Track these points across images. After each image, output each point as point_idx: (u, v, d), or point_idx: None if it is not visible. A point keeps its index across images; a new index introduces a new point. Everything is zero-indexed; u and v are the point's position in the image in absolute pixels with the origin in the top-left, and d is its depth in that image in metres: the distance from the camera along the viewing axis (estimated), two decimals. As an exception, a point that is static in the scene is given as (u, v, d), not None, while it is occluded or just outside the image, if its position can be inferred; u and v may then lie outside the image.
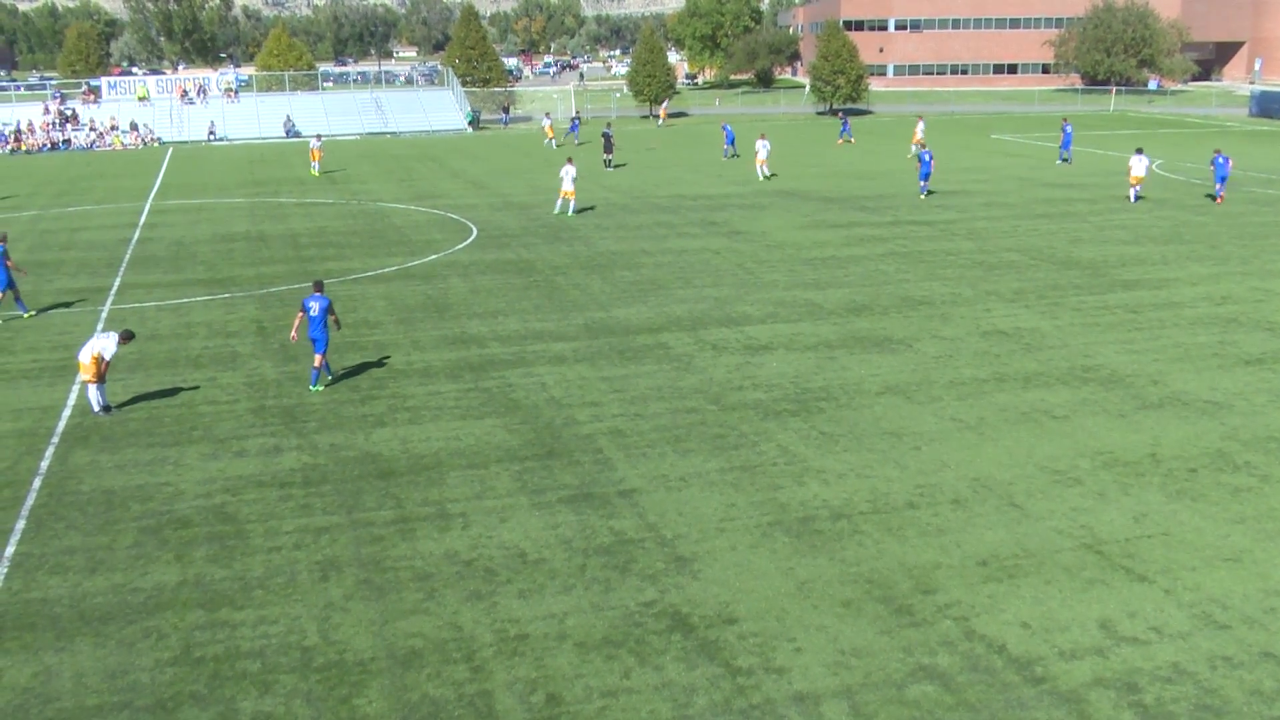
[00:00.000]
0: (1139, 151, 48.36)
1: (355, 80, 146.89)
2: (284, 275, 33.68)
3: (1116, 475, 17.68)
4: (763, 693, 11.98)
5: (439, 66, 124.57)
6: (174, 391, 22.58)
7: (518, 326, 27.32)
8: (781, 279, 32.15)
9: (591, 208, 44.05)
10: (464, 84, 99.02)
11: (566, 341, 25.90)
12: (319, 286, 22.79)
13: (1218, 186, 46.69)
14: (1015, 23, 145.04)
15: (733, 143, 65.95)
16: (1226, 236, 38.10)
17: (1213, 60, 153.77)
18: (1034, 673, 12.25)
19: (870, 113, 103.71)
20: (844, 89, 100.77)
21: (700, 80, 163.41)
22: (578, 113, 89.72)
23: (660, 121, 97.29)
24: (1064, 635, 12.99)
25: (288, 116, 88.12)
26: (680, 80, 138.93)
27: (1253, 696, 11.77)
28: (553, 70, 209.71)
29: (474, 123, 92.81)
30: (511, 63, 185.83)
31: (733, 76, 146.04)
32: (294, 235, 41.07)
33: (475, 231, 41.15)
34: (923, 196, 48.27)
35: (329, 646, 13.02)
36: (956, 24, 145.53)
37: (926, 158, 48.50)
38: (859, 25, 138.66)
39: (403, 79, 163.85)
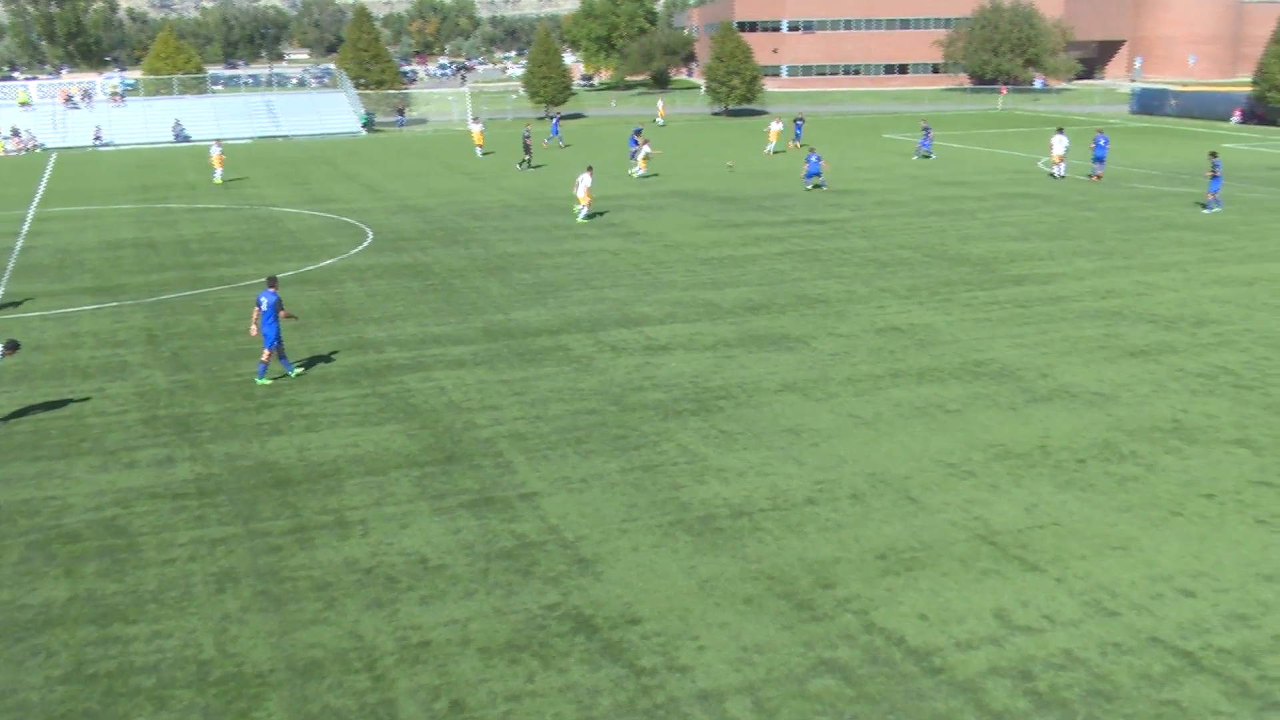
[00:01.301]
0: (1059, 131, 54.25)
1: (246, 83, 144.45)
2: (174, 282, 33.00)
3: (1008, 467, 18.06)
4: (666, 692, 12.03)
5: (332, 69, 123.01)
6: (61, 403, 22.01)
7: (415, 331, 27.10)
8: (680, 279, 32.31)
9: (602, 212, 43.43)
10: (358, 86, 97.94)
11: (465, 345, 25.76)
12: (271, 282, 23.06)
13: (1094, 165, 52.03)
14: (905, 23, 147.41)
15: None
16: (1110, 231, 39.10)
17: (1095, 59, 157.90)
18: (932, 663, 12.46)
19: (765, 113, 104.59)
20: (739, 89, 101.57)
21: (596, 81, 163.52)
22: (557, 116, 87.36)
23: (660, 121, 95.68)
24: (960, 626, 13.23)
25: (176, 121, 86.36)
26: (576, 81, 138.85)
27: (1141, 681, 12.09)
28: (449, 71, 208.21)
29: (368, 125, 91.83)
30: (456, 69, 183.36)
31: (629, 78, 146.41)
32: (184, 241, 40.27)
33: (371, 235, 40.73)
34: (808, 189, 50.16)
35: (226, 659, 12.80)
36: (848, 25, 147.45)
37: (814, 159, 50.75)
38: (753, 26, 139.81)
39: (295, 81, 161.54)
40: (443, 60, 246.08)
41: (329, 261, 35.87)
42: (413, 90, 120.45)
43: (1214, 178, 42.88)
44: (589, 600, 13.96)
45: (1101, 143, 52.14)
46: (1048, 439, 19.27)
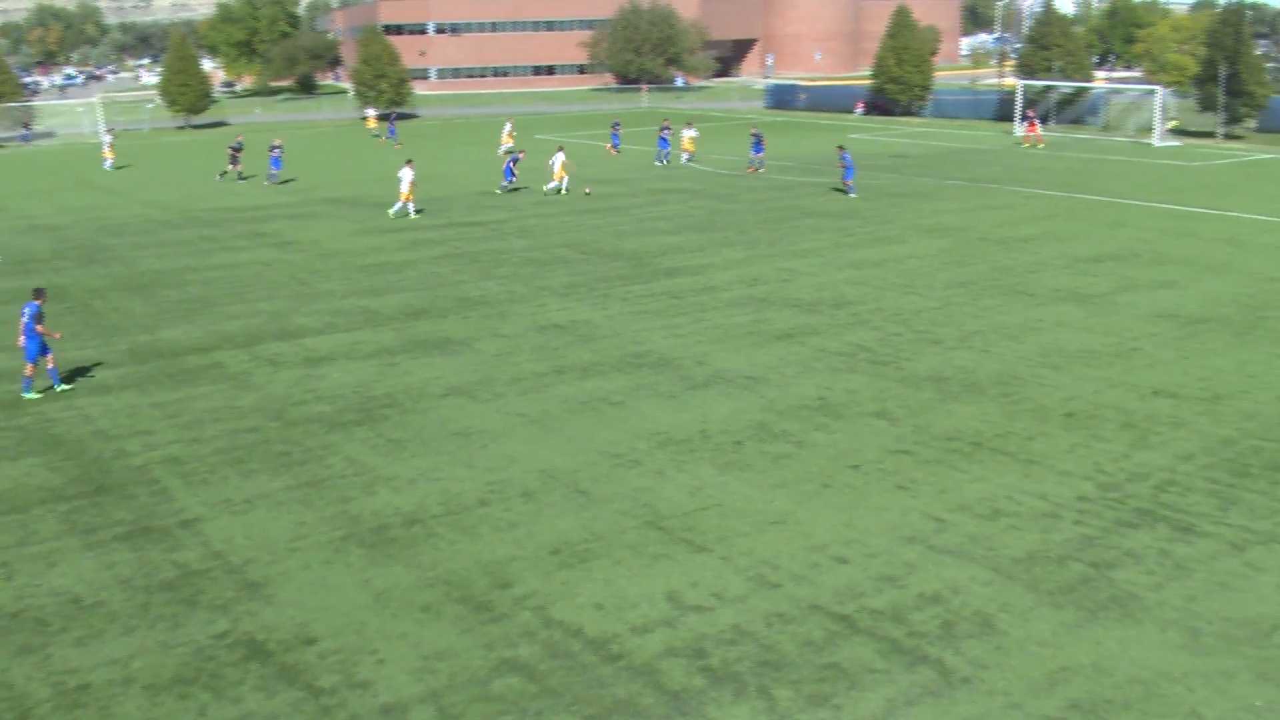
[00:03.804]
0: (689, 125, 62.11)
1: None
2: None
3: (672, 453, 18.68)
4: (348, 710, 11.79)
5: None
6: None
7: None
8: (337, 288, 31.66)
9: (420, 211, 43.43)
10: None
11: (110, 369, 24.37)
12: (36, 293, 22.43)
13: (753, 156, 56.62)
14: (551, 25, 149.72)
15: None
16: (753, 222, 41.05)
17: (730, 57, 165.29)
18: (610, 651, 12.75)
19: (416, 116, 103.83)
20: (387, 92, 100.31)
21: (239, 88, 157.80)
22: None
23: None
24: (635, 611, 13.60)
25: None
26: (218, 88, 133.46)
27: (805, 647, 12.77)
28: (78, 81, 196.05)
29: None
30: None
31: (273, 83, 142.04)
32: None
33: (-3, 258, 37.88)
34: (498, 192, 50.29)
35: None
36: (495, 27, 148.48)
37: (512, 162, 51.39)
38: (399, 29, 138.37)
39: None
40: (69, 69, 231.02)
41: (-51, 288, 33.08)
42: (37, 102, 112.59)
43: (846, 169, 46.19)
44: (260, 625, 13.51)
45: (756, 139, 57.63)
46: (707, 424, 20.05)
